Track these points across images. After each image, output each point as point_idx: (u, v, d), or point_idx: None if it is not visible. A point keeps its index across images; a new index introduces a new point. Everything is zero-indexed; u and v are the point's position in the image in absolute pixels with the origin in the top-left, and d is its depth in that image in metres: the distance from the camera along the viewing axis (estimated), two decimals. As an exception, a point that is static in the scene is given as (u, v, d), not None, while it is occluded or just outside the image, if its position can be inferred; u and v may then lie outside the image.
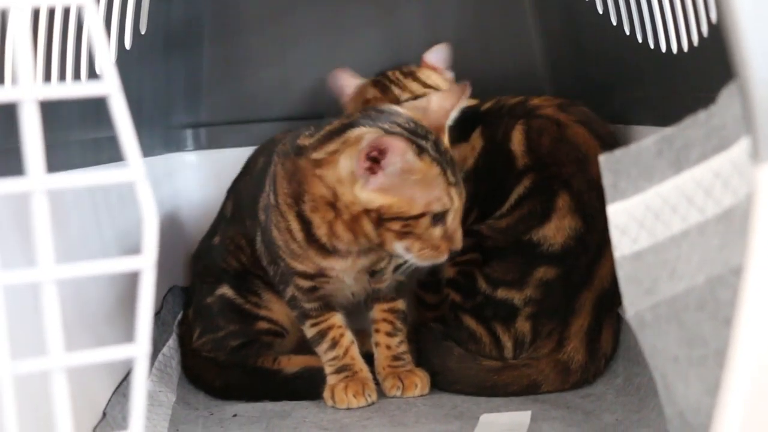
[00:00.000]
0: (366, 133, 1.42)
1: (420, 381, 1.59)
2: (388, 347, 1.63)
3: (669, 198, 0.90)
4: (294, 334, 1.69)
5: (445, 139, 1.49)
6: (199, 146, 2.14)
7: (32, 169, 0.60)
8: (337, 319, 1.60)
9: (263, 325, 1.71)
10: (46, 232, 0.61)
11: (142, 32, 1.83)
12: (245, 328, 1.71)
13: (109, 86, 0.63)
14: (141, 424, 0.67)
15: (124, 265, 0.65)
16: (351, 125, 1.47)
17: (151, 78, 1.96)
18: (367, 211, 1.43)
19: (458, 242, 1.46)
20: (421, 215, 1.42)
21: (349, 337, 1.60)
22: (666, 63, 1.52)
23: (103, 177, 0.64)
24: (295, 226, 1.50)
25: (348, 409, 1.54)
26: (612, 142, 1.61)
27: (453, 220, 1.45)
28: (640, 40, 1.62)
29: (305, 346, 1.66)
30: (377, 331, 1.64)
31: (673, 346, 0.89)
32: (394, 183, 1.41)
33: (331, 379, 1.58)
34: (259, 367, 1.69)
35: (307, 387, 1.61)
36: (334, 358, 1.58)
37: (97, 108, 1.09)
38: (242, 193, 1.79)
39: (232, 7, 2.11)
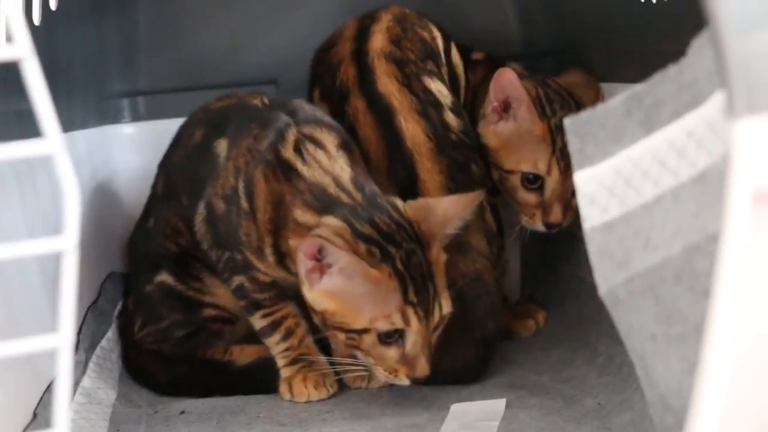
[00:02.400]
0: (324, 231, 1.43)
1: None
2: None
3: (640, 162, 0.91)
4: (244, 320, 1.69)
5: (434, 250, 1.48)
6: (137, 117, 2.13)
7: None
8: (292, 308, 1.61)
9: (209, 312, 1.72)
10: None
11: (71, -9, 1.82)
12: (190, 317, 1.72)
13: (21, 50, 0.63)
14: (66, 423, 0.68)
15: (43, 246, 0.65)
16: (336, 210, 1.46)
17: (81, 42, 1.94)
18: (313, 310, 1.47)
19: (421, 370, 1.42)
20: (365, 330, 1.42)
21: (304, 326, 1.61)
22: (647, 13, 1.53)
23: (17, 150, 0.64)
24: (268, 249, 1.53)
25: (307, 402, 1.55)
26: None
27: (413, 345, 1.42)
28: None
29: (257, 336, 1.66)
30: None
31: (650, 324, 0.90)
32: (341, 286, 1.42)
33: (285, 372, 1.59)
34: (208, 360, 1.70)
35: (262, 379, 1.62)
36: (287, 349, 1.59)
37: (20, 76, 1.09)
38: (176, 168, 1.78)
39: (168, -38, 2.10)
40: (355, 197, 1.48)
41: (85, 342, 1.59)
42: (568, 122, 1.01)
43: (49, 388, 1.40)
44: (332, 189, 1.48)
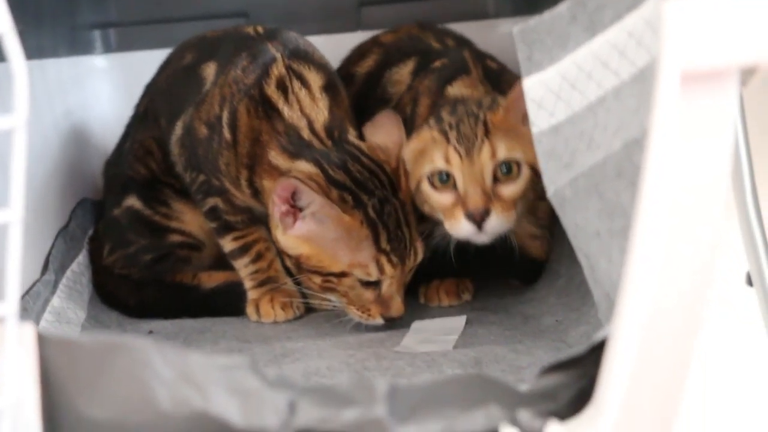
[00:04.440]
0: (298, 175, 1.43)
1: None
2: None
3: (584, 65, 0.92)
4: (211, 248, 1.71)
5: (404, 191, 1.51)
6: (108, 48, 2.13)
7: None
8: (263, 232, 1.63)
9: (176, 237, 1.73)
10: None
11: None
12: (157, 242, 1.73)
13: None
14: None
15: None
16: (309, 154, 1.48)
17: (50, -32, 1.94)
18: (286, 254, 1.49)
19: (396, 310, 1.48)
20: (343, 274, 1.45)
21: (273, 250, 1.63)
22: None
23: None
24: (243, 181, 1.54)
25: (274, 322, 1.58)
26: None
27: (388, 287, 1.46)
28: None
29: (225, 261, 1.67)
30: None
31: (595, 221, 0.92)
32: (315, 231, 1.44)
33: (253, 293, 1.61)
34: (176, 283, 1.72)
35: (229, 302, 1.64)
36: (257, 272, 1.62)
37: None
38: (161, 88, 1.78)
39: None
40: (326, 143, 1.49)
41: (55, 264, 1.61)
42: (517, 30, 1.02)
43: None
44: (305, 133, 1.50)
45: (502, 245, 1.54)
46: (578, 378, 0.77)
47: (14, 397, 0.70)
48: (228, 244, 1.64)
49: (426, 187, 1.50)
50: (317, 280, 1.47)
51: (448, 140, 1.48)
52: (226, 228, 1.63)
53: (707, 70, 0.66)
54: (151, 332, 1.58)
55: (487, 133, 1.48)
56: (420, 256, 1.49)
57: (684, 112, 0.67)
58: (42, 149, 1.78)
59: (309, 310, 1.63)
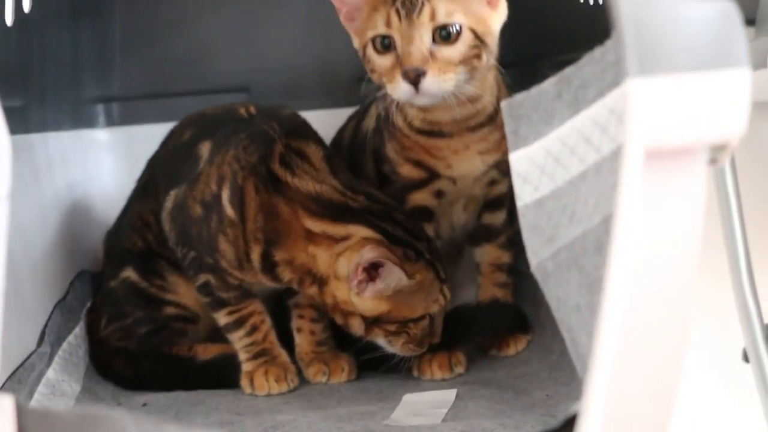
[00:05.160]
0: (368, 242, 1.49)
1: (347, 365, 1.64)
2: (312, 332, 1.68)
3: (568, 140, 0.93)
4: (207, 320, 1.72)
5: None
6: (111, 122, 2.16)
7: None
8: (257, 305, 1.64)
9: (171, 310, 1.74)
10: None
11: (46, -4, 1.85)
12: (152, 314, 1.74)
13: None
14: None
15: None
16: (356, 216, 1.53)
17: (56, 46, 1.96)
18: (362, 315, 1.53)
19: (438, 336, 1.58)
20: (422, 317, 1.54)
21: (268, 322, 1.64)
22: (597, 18, 1.56)
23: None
24: (256, 256, 1.56)
25: (267, 395, 1.58)
26: None
27: (438, 317, 1.57)
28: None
29: (221, 334, 1.68)
30: (300, 317, 1.70)
31: (575, 294, 0.92)
32: (391, 292, 1.50)
33: (247, 366, 1.62)
34: (172, 356, 1.72)
35: (224, 374, 1.64)
36: (251, 344, 1.62)
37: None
38: (160, 163, 1.81)
39: (145, -31, 2.13)
40: (359, 200, 1.55)
41: (51, 336, 1.61)
42: (505, 105, 1.04)
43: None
44: (335, 196, 1.54)
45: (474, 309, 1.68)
46: (554, 451, 0.77)
47: (-8, 467, 0.70)
48: (222, 318, 1.64)
49: (371, 51, 1.54)
50: (392, 328, 1.53)
51: (392, 2, 1.50)
52: (219, 303, 1.64)
53: (674, 147, 0.67)
54: (145, 404, 1.58)
55: None
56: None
57: (650, 187, 0.68)
58: (42, 221, 1.79)
59: (303, 381, 1.63)
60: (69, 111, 2.06)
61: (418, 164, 1.67)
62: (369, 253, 1.46)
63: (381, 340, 1.55)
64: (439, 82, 1.47)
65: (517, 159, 1.01)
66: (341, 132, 1.93)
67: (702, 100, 0.67)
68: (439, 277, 1.54)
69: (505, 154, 1.51)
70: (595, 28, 1.62)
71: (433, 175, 1.67)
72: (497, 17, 1.54)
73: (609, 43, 0.87)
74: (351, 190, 1.56)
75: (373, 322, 1.52)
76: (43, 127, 1.87)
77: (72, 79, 2.07)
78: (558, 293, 0.97)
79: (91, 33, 2.11)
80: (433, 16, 1.47)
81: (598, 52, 0.89)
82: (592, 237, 0.88)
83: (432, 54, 1.48)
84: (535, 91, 0.99)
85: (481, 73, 1.56)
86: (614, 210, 0.79)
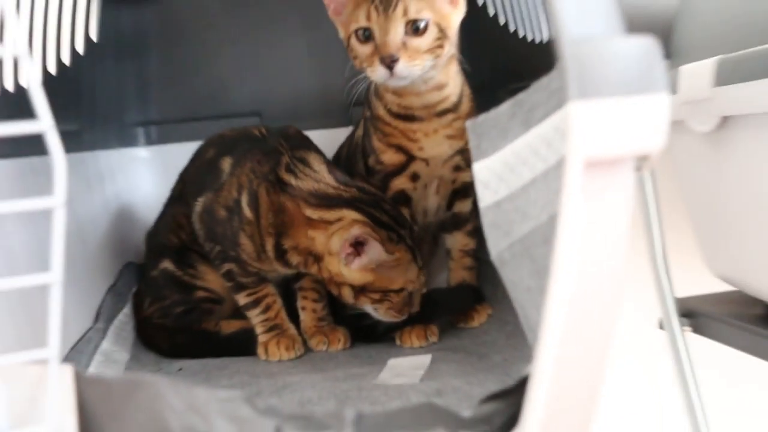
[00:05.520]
0: (356, 223, 1.49)
1: (342, 336, 1.64)
2: (314, 310, 1.68)
3: (521, 153, 0.92)
4: (230, 301, 1.70)
5: None
6: (150, 141, 2.15)
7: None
8: (270, 288, 1.64)
9: (201, 294, 1.73)
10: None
11: (95, 40, 1.84)
12: (186, 297, 1.73)
13: (19, 49, 0.65)
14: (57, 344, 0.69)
15: (37, 204, 0.67)
16: (348, 203, 1.53)
17: (104, 80, 1.97)
18: (351, 285, 1.52)
19: (417, 305, 1.57)
20: (400, 290, 1.53)
21: (279, 302, 1.64)
22: (544, 54, 1.56)
23: (20, 127, 0.66)
24: (270, 247, 1.56)
25: (279, 361, 1.58)
26: None
27: (417, 292, 1.56)
28: (523, 36, 1.67)
29: (241, 312, 1.67)
30: (304, 297, 1.70)
31: (527, 279, 0.92)
32: (373, 266, 1.50)
33: (262, 338, 1.61)
34: (201, 330, 1.71)
35: (243, 345, 1.63)
36: (266, 320, 1.62)
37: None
38: (190, 176, 1.81)
39: (175, 18, 2.12)
40: (351, 192, 1.55)
41: (105, 315, 1.62)
42: (470, 124, 1.03)
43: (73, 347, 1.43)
44: (330, 190, 1.54)
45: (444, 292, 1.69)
46: (509, 406, 0.76)
47: (57, 424, 0.69)
48: (242, 299, 1.64)
49: (354, 41, 1.55)
50: (376, 296, 1.53)
51: (371, 2, 1.52)
52: (240, 286, 1.63)
53: (607, 158, 0.66)
54: (180, 369, 1.57)
55: None
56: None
57: (588, 190, 0.67)
58: (95, 223, 1.79)
59: (307, 350, 1.62)
60: (115, 133, 2.06)
61: (398, 149, 1.67)
62: (355, 231, 1.46)
63: (368, 307, 1.55)
64: (409, 67, 1.50)
65: (479, 168, 1.00)
66: (341, 148, 1.95)
67: (630, 120, 0.66)
68: (416, 262, 1.54)
69: (467, 143, 1.57)
70: (538, 63, 1.63)
71: (409, 158, 1.67)
72: (457, 14, 1.55)
73: (553, 73, 0.86)
74: (344, 185, 1.56)
75: (360, 290, 1.52)
76: (93, 146, 1.87)
77: (117, 107, 2.07)
78: (513, 278, 0.96)
79: (133, 69, 2.11)
80: (405, 12, 1.50)
81: (544, 80, 0.88)
82: (540, 232, 0.88)
83: (404, 44, 1.50)
84: (493, 112, 0.98)
85: (443, 62, 1.58)
86: (559, 209, 0.79)
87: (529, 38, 1.64)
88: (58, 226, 0.68)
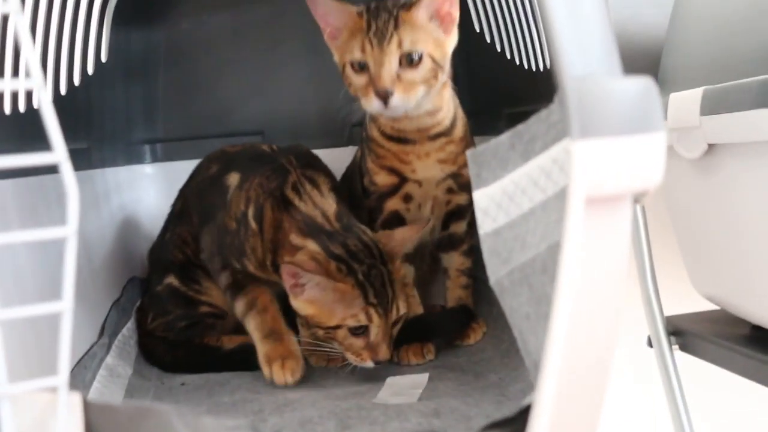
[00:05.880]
0: (306, 253, 1.47)
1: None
2: None
3: (520, 182, 0.92)
4: (232, 317, 1.69)
5: (395, 264, 1.52)
6: (155, 159, 2.15)
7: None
8: (268, 293, 1.61)
9: (205, 309, 1.72)
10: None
11: (104, 61, 1.84)
12: (190, 312, 1.72)
13: (35, 82, 0.65)
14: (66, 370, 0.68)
15: (50, 233, 0.66)
16: (315, 235, 1.49)
17: (111, 100, 1.97)
18: (298, 315, 1.50)
19: (383, 354, 1.46)
20: (337, 327, 1.46)
21: (276, 307, 1.59)
22: (537, 81, 1.56)
23: (36, 158, 0.65)
24: (269, 263, 1.55)
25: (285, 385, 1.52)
26: None
27: (375, 335, 1.46)
28: (518, 62, 1.67)
29: (242, 328, 1.64)
30: None
31: (525, 306, 0.91)
32: (317, 297, 1.45)
33: (261, 347, 1.54)
34: (203, 345, 1.69)
35: (244, 360, 1.60)
36: (261, 322, 1.56)
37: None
38: (192, 192, 1.80)
39: (182, 41, 2.11)
40: (335, 226, 1.51)
41: (109, 330, 1.61)
42: (470, 154, 1.03)
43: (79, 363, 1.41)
44: (319, 220, 1.51)
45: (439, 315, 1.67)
46: (511, 434, 0.76)
47: (64, 450, 0.68)
48: (239, 305, 1.61)
49: (349, 70, 1.51)
50: (320, 333, 1.47)
51: (367, 31, 1.48)
52: (237, 287, 1.61)
53: (607, 194, 0.66)
54: (183, 384, 1.55)
55: (396, 27, 1.47)
56: (402, 311, 1.49)
57: (589, 225, 0.67)
58: (102, 239, 1.78)
59: (308, 367, 1.59)
60: (122, 150, 2.05)
61: (390, 170, 1.65)
62: (286, 267, 1.43)
63: (336, 345, 1.50)
64: (404, 100, 1.47)
65: (479, 196, 1.00)
66: (347, 169, 1.93)
67: (629, 158, 0.66)
68: (366, 298, 1.44)
69: (460, 167, 1.61)
70: (533, 89, 1.63)
71: (402, 180, 1.65)
72: (450, 42, 1.52)
73: (552, 107, 0.86)
74: (336, 217, 1.53)
75: (309, 324, 1.49)
76: (102, 163, 1.87)
77: (125, 126, 2.07)
78: (512, 304, 0.95)
79: (140, 90, 2.10)
80: (400, 45, 1.46)
81: (543, 113, 0.88)
82: (539, 260, 0.87)
83: (398, 76, 1.47)
84: (493, 142, 0.98)
85: (437, 90, 1.54)
86: (561, 241, 0.78)
87: (526, 66, 1.64)
88: (71, 254, 0.67)
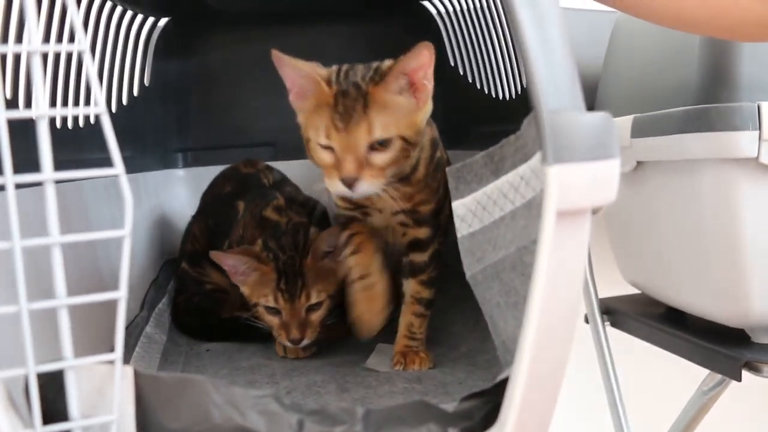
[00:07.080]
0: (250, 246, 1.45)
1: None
2: None
3: (491, 195, 0.91)
4: (234, 294, 1.61)
5: (310, 259, 1.40)
6: (187, 164, 2.11)
7: (45, 165, 0.60)
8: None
9: (209, 286, 1.69)
10: (54, 213, 0.61)
11: (147, 85, 1.81)
12: (200, 289, 1.69)
13: (100, 109, 0.62)
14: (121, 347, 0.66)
15: (109, 234, 0.64)
16: (265, 232, 1.47)
17: (152, 116, 1.94)
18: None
19: (293, 334, 1.38)
20: (255, 304, 1.43)
21: None
22: (500, 107, 1.55)
23: (97, 173, 0.63)
24: None
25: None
26: None
27: (285, 317, 1.39)
28: (486, 92, 1.65)
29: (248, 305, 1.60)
30: None
31: (496, 296, 0.90)
32: (249, 278, 1.42)
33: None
34: (221, 318, 1.65)
35: (256, 328, 1.57)
36: None
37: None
38: (209, 200, 1.80)
39: (211, 69, 2.10)
40: (287, 229, 1.47)
41: (149, 304, 1.59)
42: (449, 170, 1.01)
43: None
44: (282, 227, 1.48)
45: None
46: (487, 403, 0.74)
47: (118, 414, 0.66)
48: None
49: (314, 145, 1.18)
50: (254, 310, 1.44)
51: (334, 109, 1.15)
52: None
53: (573, 208, 0.65)
54: (208, 350, 1.53)
55: (365, 108, 1.14)
56: (314, 300, 1.39)
57: (559, 234, 0.66)
58: (142, 228, 1.76)
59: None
60: (159, 158, 2.03)
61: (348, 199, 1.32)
62: (225, 255, 1.41)
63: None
64: (370, 185, 1.16)
65: (457, 206, 0.98)
66: None
67: (592, 180, 0.65)
68: (278, 284, 1.37)
69: (416, 205, 1.30)
70: (499, 113, 1.62)
71: (360, 206, 1.33)
72: (424, 114, 1.20)
73: (519, 133, 0.85)
74: (294, 227, 1.47)
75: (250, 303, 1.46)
76: (142, 168, 1.84)
77: (162, 137, 2.04)
78: (485, 295, 0.95)
79: (175, 108, 2.08)
80: (369, 131, 1.14)
81: (512, 138, 0.87)
82: (509, 260, 0.86)
83: (366, 159, 1.15)
84: (469, 161, 0.97)
85: (409, 162, 1.25)
86: (529, 244, 0.77)
87: (492, 94, 1.62)
88: (126, 251, 0.65)
